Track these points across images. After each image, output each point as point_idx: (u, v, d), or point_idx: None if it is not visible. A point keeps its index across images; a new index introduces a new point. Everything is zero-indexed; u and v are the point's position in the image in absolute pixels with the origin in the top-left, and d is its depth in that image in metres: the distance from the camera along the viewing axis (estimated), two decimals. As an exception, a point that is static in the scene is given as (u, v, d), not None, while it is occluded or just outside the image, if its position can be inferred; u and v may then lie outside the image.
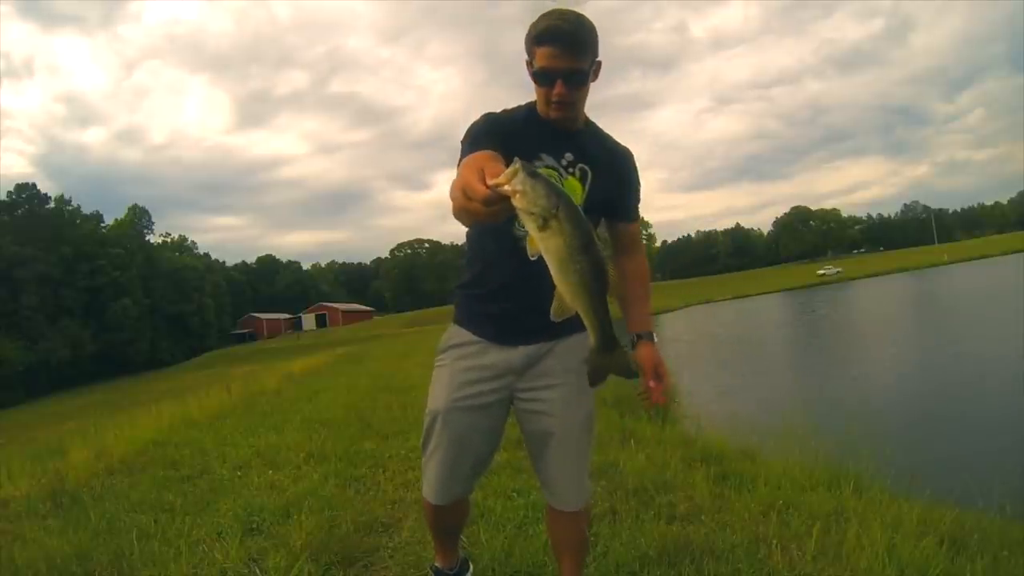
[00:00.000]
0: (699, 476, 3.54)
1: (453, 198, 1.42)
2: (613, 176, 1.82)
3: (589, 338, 1.43)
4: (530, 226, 1.26)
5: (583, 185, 1.78)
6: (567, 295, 1.34)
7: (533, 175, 1.22)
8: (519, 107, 1.82)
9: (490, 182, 1.23)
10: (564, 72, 1.66)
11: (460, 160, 1.69)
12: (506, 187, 1.22)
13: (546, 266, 1.32)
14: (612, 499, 3.20)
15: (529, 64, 1.73)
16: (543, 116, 1.77)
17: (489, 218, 1.27)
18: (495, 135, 1.66)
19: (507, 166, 1.28)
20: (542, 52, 1.66)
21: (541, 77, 1.69)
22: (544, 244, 1.28)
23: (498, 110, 1.82)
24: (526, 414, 1.89)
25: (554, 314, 1.39)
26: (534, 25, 1.69)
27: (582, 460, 1.90)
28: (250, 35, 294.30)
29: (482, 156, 1.55)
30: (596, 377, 1.54)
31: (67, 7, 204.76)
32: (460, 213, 1.39)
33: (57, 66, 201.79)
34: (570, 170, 1.77)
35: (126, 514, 3.33)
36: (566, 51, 1.65)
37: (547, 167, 1.74)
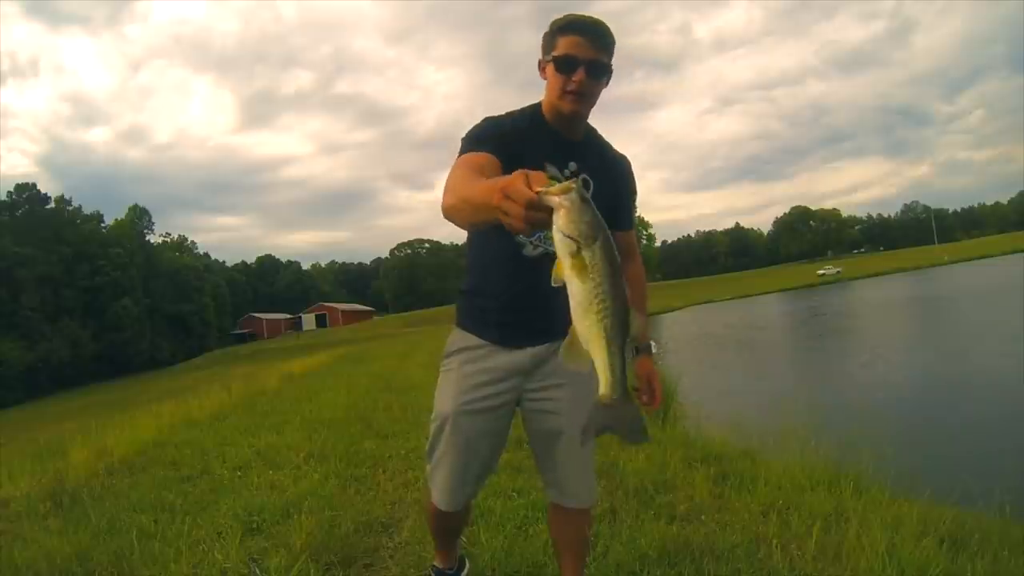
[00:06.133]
0: (699, 476, 3.54)
1: (454, 191, 1.39)
2: (613, 186, 1.84)
3: (600, 386, 1.25)
4: (561, 249, 1.17)
5: None
6: (584, 335, 1.22)
7: (584, 199, 1.16)
8: (522, 110, 1.81)
9: (538, 189, 1.13)
10: (587, 61, 1.67)
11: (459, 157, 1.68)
12: (555, 199, 1.14)
13: (549, 272, 1.27)
14: (612, 499, 3.21)
15: (544, 61, 1.73)
16: (549, 119, 1.77)
17: (518, 224, 1.13)
18: (497, 140, 1.66)
19: (505, 172, 1.22)
20: (567, 41, 1.67)
21: (563, 64, 1.68)
22: (570, 273, 1.19)
23: (501, 113, 1.81)
24: (535, 414, 1.89)
25: (564, 357, 1.25)
26: (557, 20, 1.71)
27: (590, 458, 1.92)
28: (256, 35, 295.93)
29: (480, 157, 1.56)
30: (598, 430, 1.32)
31: (73, 7, 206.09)
32: (475, 210, 1.30)
33: (62, 66, 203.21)
34: None
35: (126, 514, 3.32)
36: (592, 42, 1.67)
37: (551, 177, 1.74)
